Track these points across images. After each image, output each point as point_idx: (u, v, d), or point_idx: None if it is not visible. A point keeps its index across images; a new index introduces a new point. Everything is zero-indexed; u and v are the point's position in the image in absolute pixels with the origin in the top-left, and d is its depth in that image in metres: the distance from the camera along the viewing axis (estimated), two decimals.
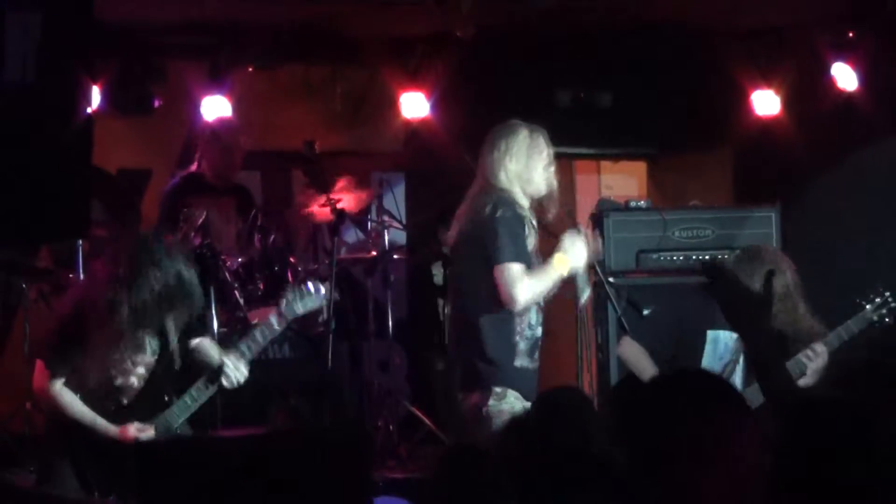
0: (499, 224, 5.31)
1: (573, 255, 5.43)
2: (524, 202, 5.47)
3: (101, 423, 5.12)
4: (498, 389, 5.34)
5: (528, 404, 5.16)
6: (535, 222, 5.50)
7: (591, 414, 4.23)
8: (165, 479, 3.05)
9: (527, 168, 5.49)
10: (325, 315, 7.28)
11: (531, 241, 5.43)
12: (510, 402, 5.32)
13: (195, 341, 5.31)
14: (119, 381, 5.17)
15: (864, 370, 4.08)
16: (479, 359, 5.36)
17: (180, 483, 3.02)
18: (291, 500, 3.10)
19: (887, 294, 5.86)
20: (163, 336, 5.19)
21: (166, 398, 5.26)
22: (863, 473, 2.52)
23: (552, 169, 5.56)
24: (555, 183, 5.56)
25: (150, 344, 5.18)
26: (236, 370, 5.24)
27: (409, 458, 7.20)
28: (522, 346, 5.42)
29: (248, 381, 5.46)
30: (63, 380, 5.13)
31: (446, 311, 7.98)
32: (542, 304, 5.50)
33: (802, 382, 5.46)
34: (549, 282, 5.41)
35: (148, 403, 5.22)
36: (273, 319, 5.41)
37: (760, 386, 3.32)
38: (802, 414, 2.67)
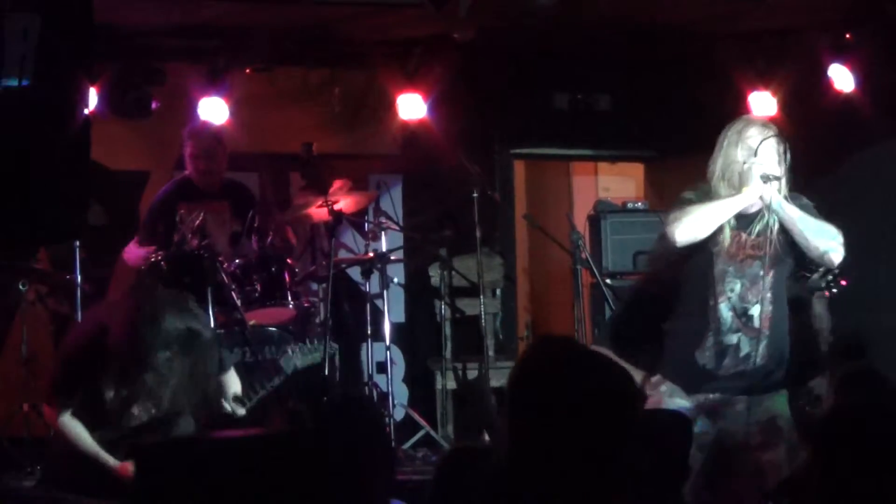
0: None
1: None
2: None
3: (103, 456, 5.04)
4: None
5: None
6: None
7: None
8: (163, 480, 3.05)
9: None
10: (322, 316, 7.31)
11: None
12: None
13: None
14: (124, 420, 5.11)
15: None
16: None
17: (178, 484, 3.02)
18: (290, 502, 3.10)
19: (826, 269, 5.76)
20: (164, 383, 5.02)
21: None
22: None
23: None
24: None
25: (154, 390, 5.04)
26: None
27: (407, 461, 7.20)
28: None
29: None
30: (70, 410, 5.07)
31: (443, 312, 8.01)
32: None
33: None
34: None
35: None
36: (275, 379, 5.62)
37: None
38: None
